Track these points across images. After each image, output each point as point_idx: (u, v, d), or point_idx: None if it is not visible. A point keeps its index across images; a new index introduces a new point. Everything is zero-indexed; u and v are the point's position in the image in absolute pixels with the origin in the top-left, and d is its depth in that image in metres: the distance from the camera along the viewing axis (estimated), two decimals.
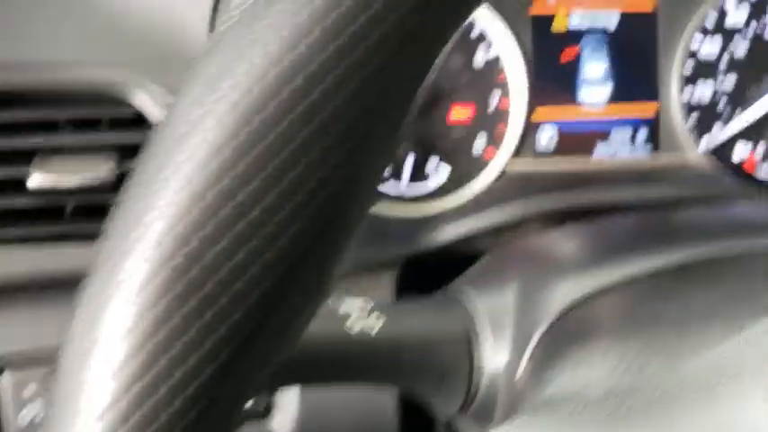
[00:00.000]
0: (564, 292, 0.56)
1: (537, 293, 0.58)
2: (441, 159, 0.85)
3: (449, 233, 0.80)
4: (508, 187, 0.85)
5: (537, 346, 0.55)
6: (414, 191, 0.84)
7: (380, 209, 0.84)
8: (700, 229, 0.72)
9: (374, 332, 0.54)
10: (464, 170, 0.86)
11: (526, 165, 0.87)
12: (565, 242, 0.71)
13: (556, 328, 0.55)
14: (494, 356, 0.57)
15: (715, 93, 0.87)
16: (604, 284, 0.56)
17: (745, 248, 0.57)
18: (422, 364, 0.57)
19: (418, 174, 0.85)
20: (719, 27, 0.86)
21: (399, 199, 0.84)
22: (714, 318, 0.45)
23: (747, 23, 0.87)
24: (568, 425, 0.34)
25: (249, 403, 0.30)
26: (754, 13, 0.87)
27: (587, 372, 0.46)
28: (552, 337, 0.54)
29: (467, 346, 0.57)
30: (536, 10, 0.86)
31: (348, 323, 0.54)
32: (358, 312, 0.55)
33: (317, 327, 0.53)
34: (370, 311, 0.55)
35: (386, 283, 0.78)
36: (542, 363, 0.53)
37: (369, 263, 0.77)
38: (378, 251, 0.77)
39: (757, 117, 0.87)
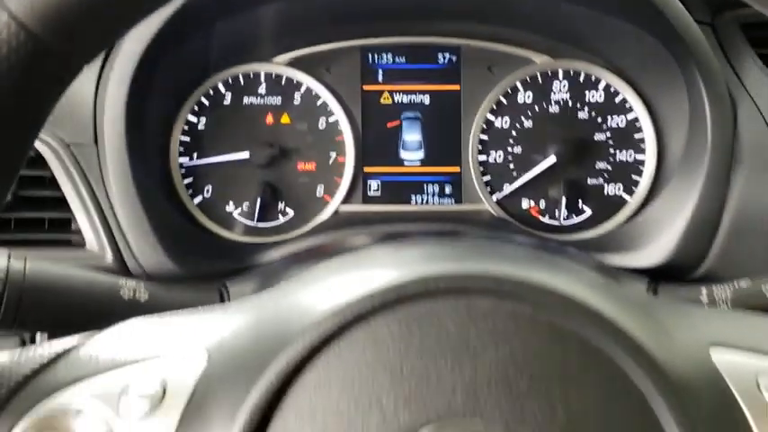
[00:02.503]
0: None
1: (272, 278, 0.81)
2: (286, 203, 1.09)
3: (279, 252, 1.02)
4: (340, 225, 1.07)
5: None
6: (266, 225, 1.08)
7: (234, 236, 1.08)
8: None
9: (143, 299, 0.77)
10: (307, 210, 1.09)
11: (355, 208, 1.09)
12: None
13: None
14: None
15: (506, 156, 1.09)
16: None
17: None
18: None
19: (271, 211, 1.09)
20: (511, 104, 1.08)
21: (254, 230, 1.08)
22: None
23: (533, 102, 1.08)
24: None
25: None
26: (539, 95, 1.08)
27: None
28: None
29: None
30: (367, 86, 1.10)
31: (122, 291, 0.77)
32: (133, 285, 0.78)
33: (98, 291, 0.76)
34: (144, 288, 0.78)
35: (215, 288, 1.00)
36: None
37: (208, 273, 0.99)
38: (214, 265, 0.99)
39: (537, 174, 1.07)
